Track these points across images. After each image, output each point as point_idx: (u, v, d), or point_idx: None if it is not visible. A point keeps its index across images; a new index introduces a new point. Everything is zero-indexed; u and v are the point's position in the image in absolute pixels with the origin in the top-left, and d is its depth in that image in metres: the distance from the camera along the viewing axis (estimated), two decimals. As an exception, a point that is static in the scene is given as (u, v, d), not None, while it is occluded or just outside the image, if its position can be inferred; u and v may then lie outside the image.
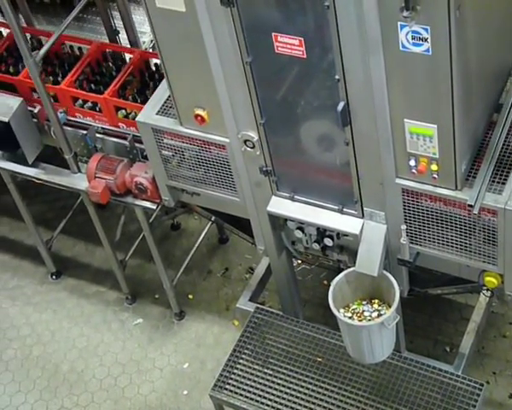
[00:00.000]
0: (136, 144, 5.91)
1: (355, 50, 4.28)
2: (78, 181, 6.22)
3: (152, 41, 6.57)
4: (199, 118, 5.13)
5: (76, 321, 7.06)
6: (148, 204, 6.02)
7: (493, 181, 4.65)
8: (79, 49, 6.43)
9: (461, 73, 4.18)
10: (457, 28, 3.99)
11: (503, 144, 4.77)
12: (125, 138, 5.96)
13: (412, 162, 4.63)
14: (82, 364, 6.78)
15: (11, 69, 6.38)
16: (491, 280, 4.96)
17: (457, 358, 5.65)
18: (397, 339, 5.21)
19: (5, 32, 6.64)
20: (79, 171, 6.23)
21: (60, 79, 6.23)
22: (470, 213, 4.64)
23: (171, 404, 6.45)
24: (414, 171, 4.66)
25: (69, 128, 6.14)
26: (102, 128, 6.06)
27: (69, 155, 6.14)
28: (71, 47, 6.41)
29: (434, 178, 4.63)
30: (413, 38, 4.08)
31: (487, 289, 5.22)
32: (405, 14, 3.95)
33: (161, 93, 5.47)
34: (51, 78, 6.23)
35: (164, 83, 5.34)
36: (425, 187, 4.70)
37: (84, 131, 6.09)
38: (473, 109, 4.58)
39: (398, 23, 4.05)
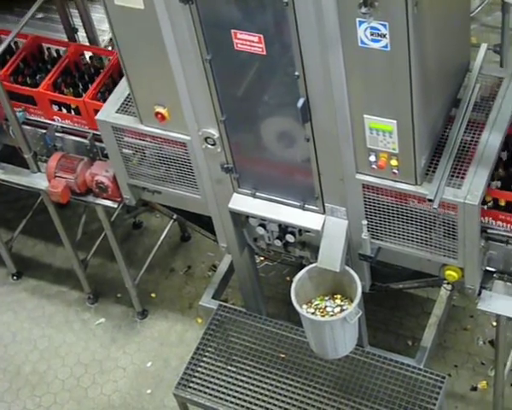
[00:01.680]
0: (97, 143, 5.87)
1: (314, 47, 4.29)
2: (37, 180, 6.17)
3: (111, 39, 6.53)
4: (159, 116, 5.11)
5: (37, 322, 7.00)
6: (109, 203, 5.99)
7: (452, 176, 4.69)
8: (99, 59, 6.18)
9: (419, 68, 4.21)
10: (415, 24, 4.02)
11: (462, 139, 4.81)
12: (84, 137, 5.91)
13: (372, 158, 4.65)
14: (44, 365, 6.73)
15: (28, 80, 6.11)
16: (451, 274, 5.01)
17: (419, 351, 5.69)
18: (359, 334, 5.24)
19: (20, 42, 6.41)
20: (39, 170, 6.18)
21: (81, 90, 5.99)
22: (430, 208, 4.68)
23: (135, 403, 6.43)
24: (374, 166, 4.68)
25: (28, 127, 6.08)
26: (62, 127, 6.01)
27: (28, 154, 6.09)
28: (91, 58, 6.19)
29: (394, 173, 4.66)
30: (371, 34, 4.10)
31: (448, 283, 5.27)
32: (363, 10, 3.97)
33: (121, 91, 5.45)
34: (71, 89, 5.98)
35: (124, 81, 5.31)
36: (385, 182, 4.73)
37: (44, 130, 6.04)
38: (431, 105, 4.61)
39: (357, 19, 4.07)
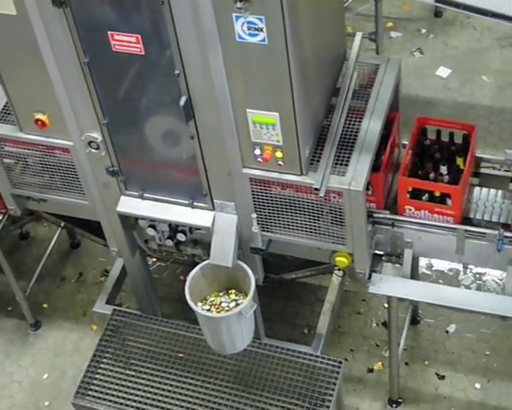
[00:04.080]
0: (-24, 154, 5.72)
1: (193, 44, 4.29)
2: None
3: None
4: (39, 122, 5.01)
5: None
6: (-8, 215, 5.85)
7: (336, 164, 4.78)
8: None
9: (297, 60, 4.27)
10: (291, 17, 4.07)
11: (343, 127, 4.90)
12: (-37, 149, 5.75)
13: (257, 151, 4.69)
14: None
15: None
16: (341, 260, 5.10)
17: (315, 339, 5.77)
18: (256, 326, 5.28)
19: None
20: None
21: None
22: (317, 197, 4.75)
23: (33, 417, 6.31)
24: (260, 159, 4.72)
25: None
26: None
27: None
28: None
29: (280, 165, 4.71)
30: (249, 29, 4.13)
31: (339, 269, 5.36)
32: (239, 5, 3.99)
33: (-2, 100, 5.33)
34: None
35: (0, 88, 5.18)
36: (271, 174, 4.77)
37: None
38: (312, 95, 4.68)
39: (233, 14, 4.09)
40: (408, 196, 5.01)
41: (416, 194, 5.02)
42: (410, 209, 5.02)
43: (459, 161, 5.08)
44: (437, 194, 4.98)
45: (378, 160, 5.03)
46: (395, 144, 5.24)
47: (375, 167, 4.99)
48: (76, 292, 6.94)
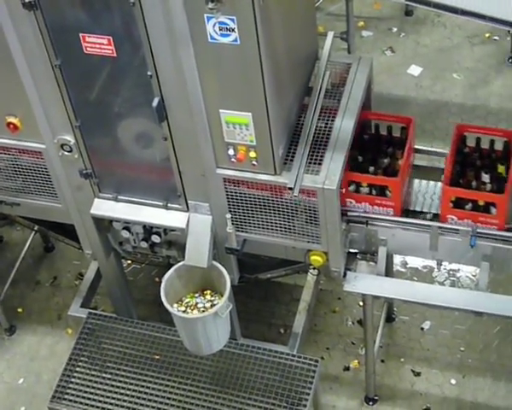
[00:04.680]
0: None
1: (165, 45, 4.29)
2: None
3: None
4: (11, 126, 4.99)
5: None
6: (-35, 220, 5.81)
7: (310, 163, 4.79)
8: None
9: (270, 60, 4.28)
10: (262, 16, 4.07)
11: (316, 126, 4.91)
12: None
13: (231, 151, 4.69)
14: None
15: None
16: (316, 259, 5.11)
17: (291, 338, 5.77)
18: (232, 327, 5.28)
19: None
20: None
21: None
22: (291, 196, 4.76)
23: (9, 422, 6.27)
24: (233, 160, 4.72)
25: None
26: None
27: None
28: None
29: (254, 164, 4.72)
30: (220, 29, 4.13)
31: (314, 268, 5.37)
32: (210, 5, 4.00)
33: (-31, 104, 5.28)
34: None
35: (-29, 93, 5.15)
36: (245, 175, 4.78)
37: None
38: (285, 95, 4.69)
39: (205, 15, 4.09)
40: (451, 205, 4.94)
41: (457, 203, 4.94)
42: (452, 219, 4.98)
43: (501, 168, 4.98)
44: (481, 203, 4.89)
45: (395, 164, 5.03)
46: (411, 149, 5.22)
47: (393, 172, 4.99)
48: (51, 296, 6.91)
